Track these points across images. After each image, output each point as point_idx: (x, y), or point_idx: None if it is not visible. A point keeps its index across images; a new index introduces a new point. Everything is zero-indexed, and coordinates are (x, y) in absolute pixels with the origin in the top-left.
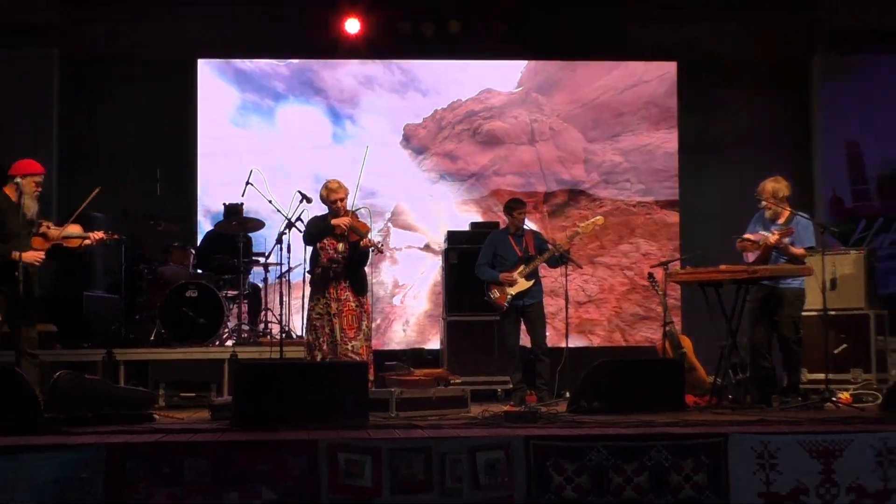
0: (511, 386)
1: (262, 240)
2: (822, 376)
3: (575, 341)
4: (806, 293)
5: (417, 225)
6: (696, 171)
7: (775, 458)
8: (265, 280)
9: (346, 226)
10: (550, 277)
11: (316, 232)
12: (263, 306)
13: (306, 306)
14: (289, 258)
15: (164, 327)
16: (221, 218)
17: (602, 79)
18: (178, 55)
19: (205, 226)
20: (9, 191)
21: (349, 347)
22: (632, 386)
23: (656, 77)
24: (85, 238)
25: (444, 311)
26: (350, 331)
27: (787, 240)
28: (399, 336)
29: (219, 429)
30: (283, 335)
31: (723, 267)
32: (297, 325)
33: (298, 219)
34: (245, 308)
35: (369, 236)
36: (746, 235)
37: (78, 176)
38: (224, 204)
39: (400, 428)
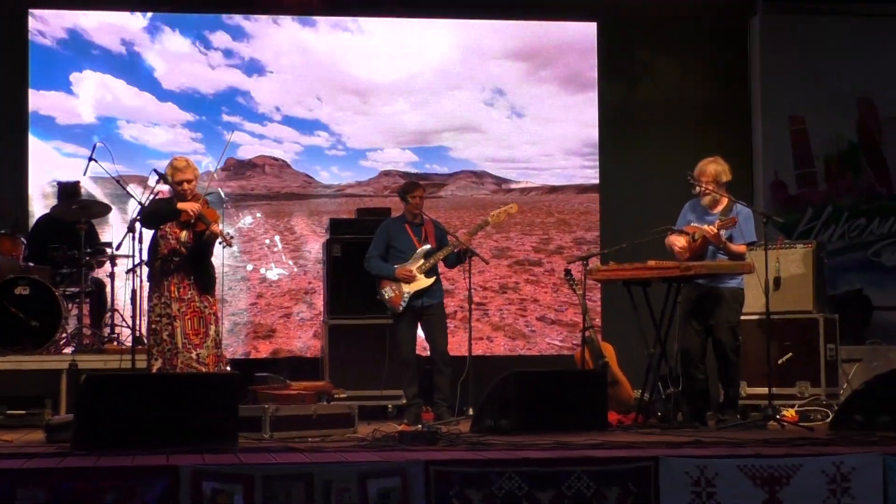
0: (405, 401)
1: (109, 227)
2: (764, 390)
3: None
4: (745, 294)
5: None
6: (619, 150)
7: (713, 486)
8: (112, 275)
9: (194, 212)
10: (444, 275)
11: (158, 213)
12: (109, 306)
13: (144, 306)
14: (141, 249)
15: None
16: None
17: (509, 41)
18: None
19: (38, 209)
20: None
21: (193, 356)
22: (546, 401)
23: (573, 39)
24: None
25: (325, 313)
26: (195, 336)
27: (725, 233)
28: (278, 339)
29: (57, 452)
30: (134, 341)
31: (651, 263)
32: None
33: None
34: (87, 308)
35: (219, 226)
36: (680, 227)
37: None
38: (57, 183)
39: (275, 451)
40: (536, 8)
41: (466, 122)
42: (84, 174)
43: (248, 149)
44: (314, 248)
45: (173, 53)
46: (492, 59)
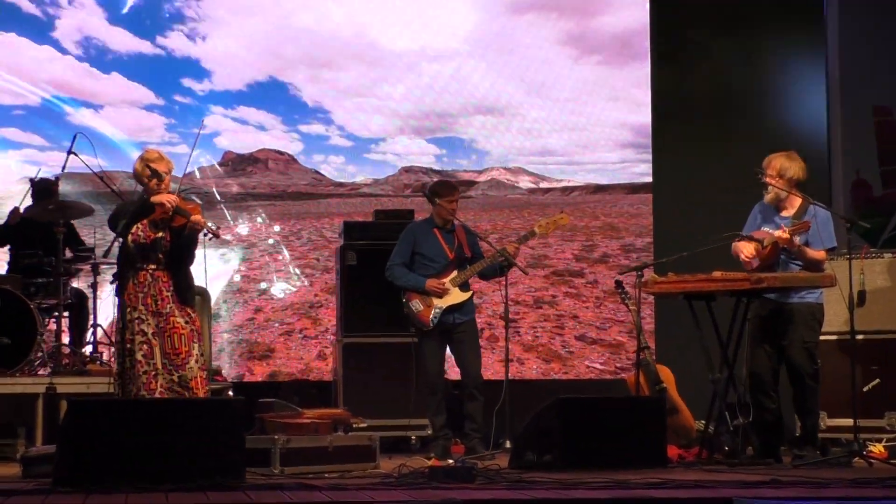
0: (431, 432)
1: (91, 230)
2: (847, 422)
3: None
4: (825, 310)
5: None
6: (676, 143)
7: None
8: (94, 286)
9: (171, 204)
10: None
11: (124, 212)
12: (92, 321)
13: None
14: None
15: None
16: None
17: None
18: None
19: (5, 210)
20: None
21: (175, 378)
22: (596, 433)
23: (623, 17)
24: None
25: (339, 330)
26: (176, 356)
27: (800, 238)
28: (277, 360)
29: (37, 489)
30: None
31: (717, 274)
32: None
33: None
34: (66, 324)
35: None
36: (748, 232)
37: None
38: (30, 180)
39: (289, 489)
40: None
41: (498, 108)
42: (62, 169)
43: (237, 139)
44: (323, 255)
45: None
46: (528, 36)
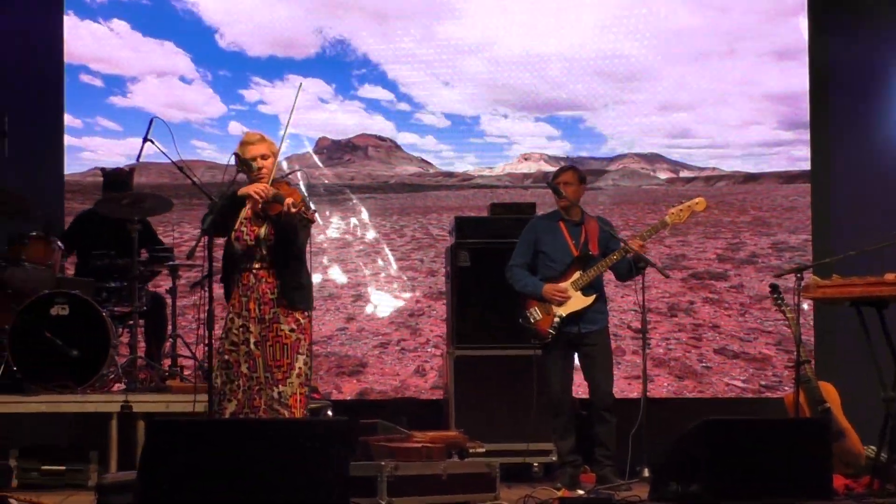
0: (556, 458)
1: (169, 228)
2: None
3: (633, 390)
4: None
5: None
6: (838, 126)
7: None
8: (174, 290)
9: (263, 195)
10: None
11: (220, 212)
12: (171, 331)
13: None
14: (209, 256)
15: (15, 363)
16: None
17: None
18: None
19: (77, 205)
20: None
21: (275, 395)
22: (749, 460)
23: None
24: None
25: (450, 342)
26: (278, 369)
27: None
28: (369, 376)
29: None
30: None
31: (890, 276)
32: None
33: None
34: (143, 333)
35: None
36: None
37: None
38: (101, 170)
39: None
40: None
41: (630, 83)
42: (137, 159)
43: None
44: (428, 255)
45: None
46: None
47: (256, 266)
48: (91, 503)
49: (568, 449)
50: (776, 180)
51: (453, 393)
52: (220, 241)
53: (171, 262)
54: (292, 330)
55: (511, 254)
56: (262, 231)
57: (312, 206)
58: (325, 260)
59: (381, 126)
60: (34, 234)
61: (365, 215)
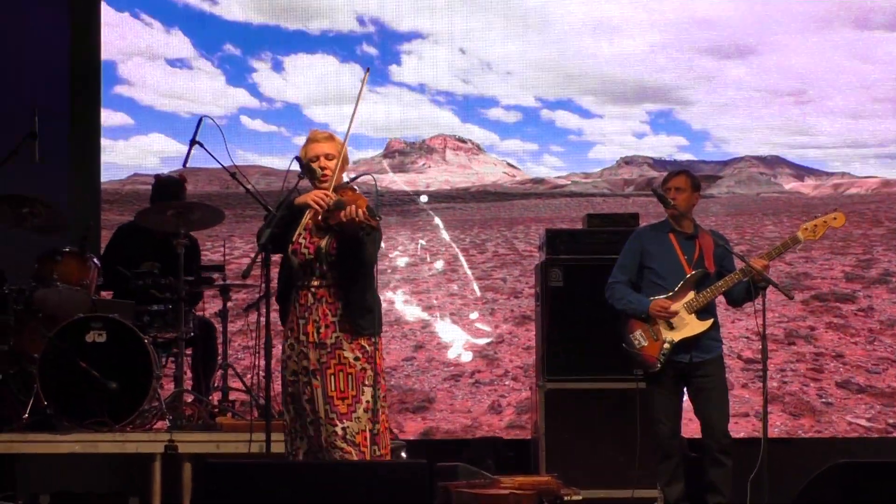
0: None
1: (219, 242)
2: None
3: (740, 429)
4: None
5: None
6: None
7: None
8: (224, 314)
9: (324, 203)
10: None
11: (279, 225)
12: (222, 360)
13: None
14: (266, 275)
15: (46, 397)
16: (145, 204)
17: None
18: None
19: (115, 216)
20: None
21: (337, 431)
22: None
23: None
24: None
25: (540, 373)
26: (341, 401)
27: None
28: (436, 413)
29: None
30: (267, 410)
31: None
32: None
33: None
34: (189, 363)
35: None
36: None
37: None
38: (156, 177)
39: None
40: None
41: (743, 71)
42: (184, 164)
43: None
44: (512, 273)
45: None
46: None
47: (315, 283)
48: None
49: (677, 496)
50: None
51: (544, 431)
52: (278, 257)
53: (222, 282)
54: (357, 358)
55: (611, 270)
56: (324, 243)
57: (379, 216)
58: (391, 279)
59: (448, 122)
60: (67, 249)
61: (440, 228)
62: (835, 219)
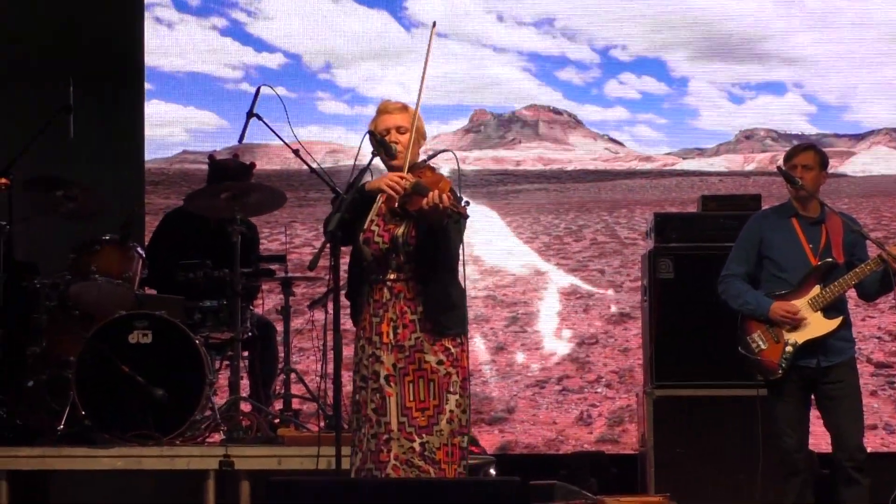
0: None
1: (278, 230)
2: None
3: (874, 442)
4: None
5: None
6: None
7: None
8: (286, 311)
9: (399, 187)
10: None
11: (349, 210)
12: (283, 364)
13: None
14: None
15: (83, 406)
16: (196, 185)
17: None
18: None
19: (160, 200)
20: None
21: (416, 447)
22: None
23: None
24: None
25: (648, 379)
26: (421, 412)
27: None
28: (516, 425)
29: None
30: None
31: None
32: None
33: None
34: (245, 366)
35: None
36: None
37: None
38: (210, 157)
39: None
40: None
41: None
42: (241, 140)
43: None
44: (612, 264)
45: None
46: None
47: (392, 277)
48: None
49: None
50: None
51: (652, 445)
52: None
53: (284, 275)
54: (440, 362)
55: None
56: (401, 231)
57: (464, 199)
58: (471, 270)
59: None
60: (108, 238)
61: (531, 212)
62: None
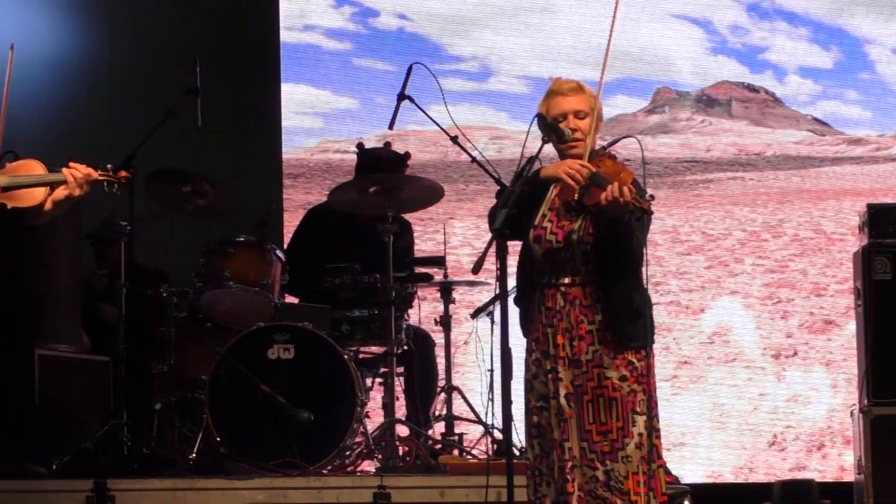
0: None
1: (439, 228)
2: None
3: None
4: None
5: None
6: None
7: None
8: (446, 322)
9: (578, 177)
10: None
11: (517, 203)
12: (445, 382)
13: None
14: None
15: (218, 432)
16: (341, 179)
17: None
18: None
19: (300, 196)
20: None
21: (598, 476)
22: None
23: None
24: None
25: (864, 394)
26: (602, 437)
27: None
28: (696, 450)
29: None
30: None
31: None
32: None
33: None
34: (401, 384)
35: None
36: None
37: None
38: (358, 146)
39: None
40: None
41: None
42: (391, 125)
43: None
44: (816, 263)
45: None
46: None
47: (566, 281)
48: None
49: None
50: None
51: (871, 472)
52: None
53: (443, 280)
54: (623, 378)
55: None
56: (577, 227)
57: (649, 192)
58: (653, 272)
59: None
60: (242, 239)
61: (724, 204)
62: None
